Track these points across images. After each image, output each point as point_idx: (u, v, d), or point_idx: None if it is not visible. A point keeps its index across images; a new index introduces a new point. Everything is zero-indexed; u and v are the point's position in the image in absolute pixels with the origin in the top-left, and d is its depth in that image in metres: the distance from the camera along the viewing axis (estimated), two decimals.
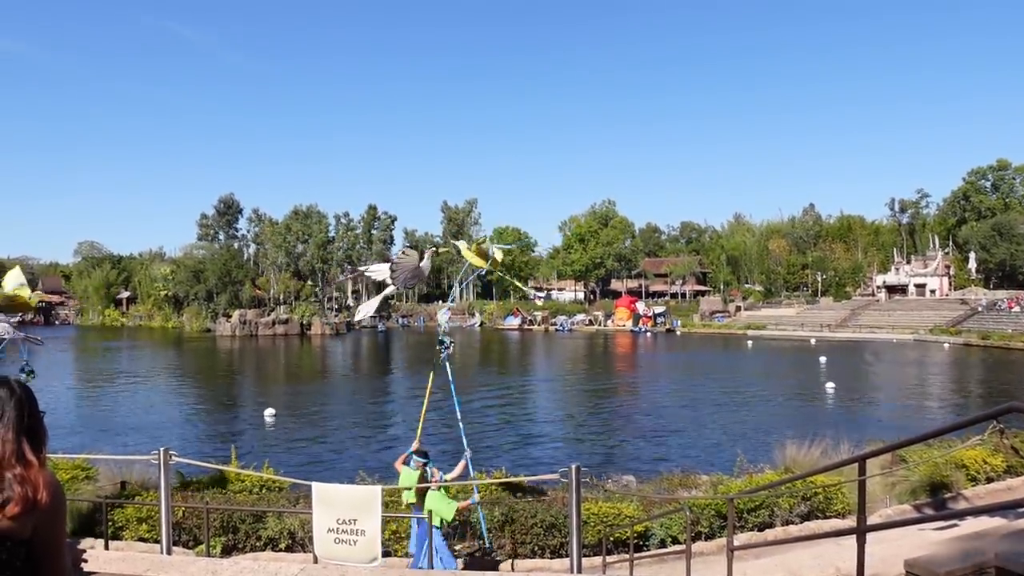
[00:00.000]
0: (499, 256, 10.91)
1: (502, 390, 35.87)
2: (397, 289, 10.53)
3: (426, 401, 10.45)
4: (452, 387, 10.80)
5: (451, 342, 10.83)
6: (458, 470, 9.49)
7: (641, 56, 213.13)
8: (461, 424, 10.74)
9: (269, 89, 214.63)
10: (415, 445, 9.47)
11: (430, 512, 8.22)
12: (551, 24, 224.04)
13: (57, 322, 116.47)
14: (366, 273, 11.01)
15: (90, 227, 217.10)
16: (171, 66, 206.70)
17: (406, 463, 9.23)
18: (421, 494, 8.67)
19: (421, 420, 10.23)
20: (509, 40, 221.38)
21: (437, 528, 8.34)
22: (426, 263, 10.37)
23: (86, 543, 9.01)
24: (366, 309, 11.10)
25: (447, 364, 10.69)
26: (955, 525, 6.84)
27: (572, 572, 5.33)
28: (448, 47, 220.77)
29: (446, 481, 9.07)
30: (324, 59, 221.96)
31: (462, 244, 11.02)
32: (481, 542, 9.57)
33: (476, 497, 9.59)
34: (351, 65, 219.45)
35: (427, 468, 8.97)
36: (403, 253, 10.81)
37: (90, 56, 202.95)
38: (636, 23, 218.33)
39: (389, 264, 10.62)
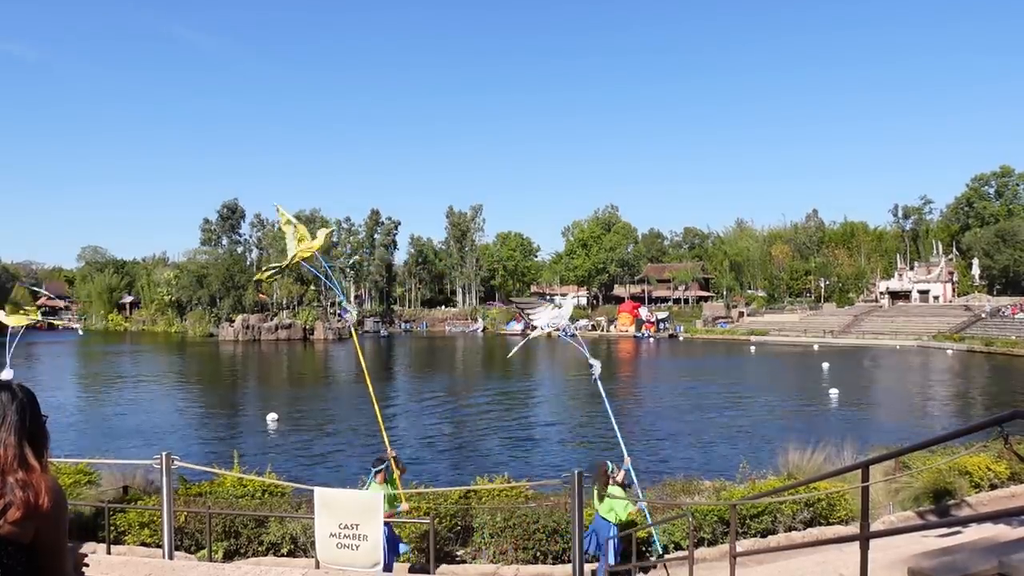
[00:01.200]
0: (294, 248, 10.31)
1: (505, 395, 35.86)
2: (542, 329, 11.02)
3: (376, 407, 10.35)
4: (604, 396, 10.85)
5: (597, 366, 10.79)
6: (619, 475, 9.67)
7: (643, 62, 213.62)
8: (617, 431, 10.68)
9: (273, 94, 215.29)
10: (391, 452, 9.11)
11: (610, 510, 8.74)
12: (554, 32, 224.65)
13: (60, 327, 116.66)
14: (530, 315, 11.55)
15: (93, 232, 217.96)
16: (175, 70, 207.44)
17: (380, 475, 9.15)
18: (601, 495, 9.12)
19: (381, 426, 10.12)
20: (512, 47, 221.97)
21: (614, 524, 8.81)
22: (566, 307, 10.80)
23: (88, 547, 9.02)
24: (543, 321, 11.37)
25: (599, 383, 10.81)
26: (958, 532, 6.81)
27: None
28: (451, 54, 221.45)
29: (617, 482, 9.30)
30: (327, 62, 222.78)
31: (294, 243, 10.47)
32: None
33: (644, 504, 10.00)
34: (354, 69, 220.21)
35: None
36: (538, 304, 11.51)
37: (94, 60, 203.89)
38: (639, 30, 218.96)
39: (539, 308, 11.38)
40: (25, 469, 1.96)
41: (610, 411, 10.96)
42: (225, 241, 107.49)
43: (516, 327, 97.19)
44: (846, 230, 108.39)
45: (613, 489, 8.96)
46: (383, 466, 8.58)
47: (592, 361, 10.73)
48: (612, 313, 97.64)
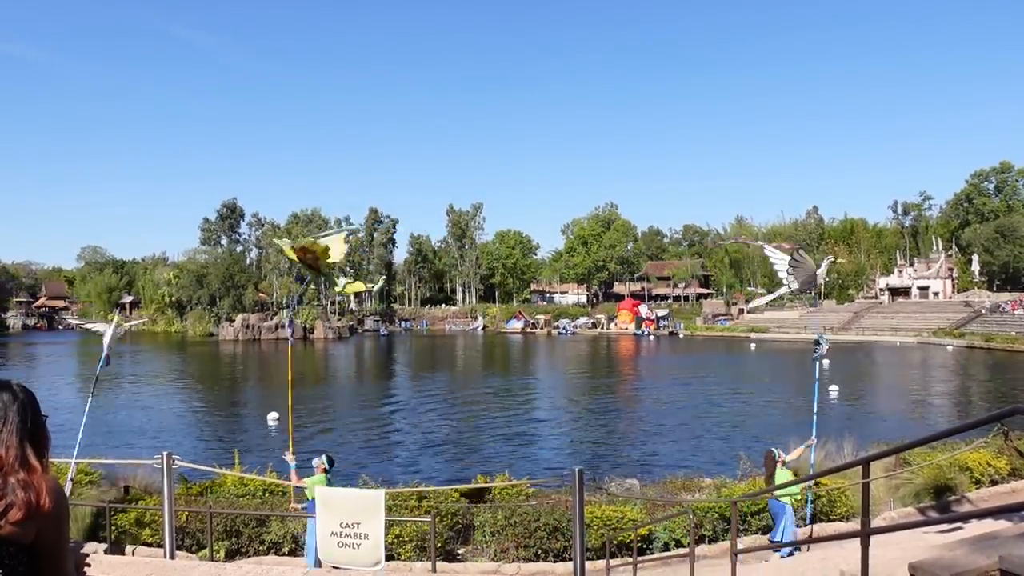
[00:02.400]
0: (333, 250, 10.16)
1: (505, 393, 35.86)
2: (791, 288, 10.95)
3: (290, 413, 10.68)
4: (816, 383, 11.09)
5: (824, 343, 11.23)
6: (795, 453, 10.11)
7: (642, 59, 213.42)
8: (815, 414, 10.88)
9: (272, 93, 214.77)
10: (290, 456, 9.61)
11: (784, 493, 9.05)
12: (553, 29, 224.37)
13: (60, 327, 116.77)
14: (766, 251, 11.36)
15: (93, 232, 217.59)
16: (174, 70, 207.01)
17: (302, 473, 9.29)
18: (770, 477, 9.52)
19: (290, 431, 10.42)
20: (511, 44, 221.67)
21: (787, 504, 9.18)
22: (822, 270, 10.77)
23: (89, 548, 9.02)
24: (762, 300, 11.70)
25: (816, 364, 11.17)
26: (959, 528, 6.81)
27: None
28: (450, 51, 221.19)
29: (787, 461, 9.68)
30: (326, 60, 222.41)
31: (285, 243, 10.68)
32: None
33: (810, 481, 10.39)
34: (353, 66, 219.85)
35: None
36: (800, 255, 11.05)
37: (92, 59, 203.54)
38: (638, 27, 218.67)
39: (789, 261, 10.98)
40: (26, 470, 1.96)
41: (816, 390, 11.13)
42: (224, 241, 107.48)
43: (516, 325, 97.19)
44: (846, 227, 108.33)
45: (782, 473, 9.34)
46: (328, 466, 9.14)
47: (821, 339, 11.24)
48: (612, 311, 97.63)
